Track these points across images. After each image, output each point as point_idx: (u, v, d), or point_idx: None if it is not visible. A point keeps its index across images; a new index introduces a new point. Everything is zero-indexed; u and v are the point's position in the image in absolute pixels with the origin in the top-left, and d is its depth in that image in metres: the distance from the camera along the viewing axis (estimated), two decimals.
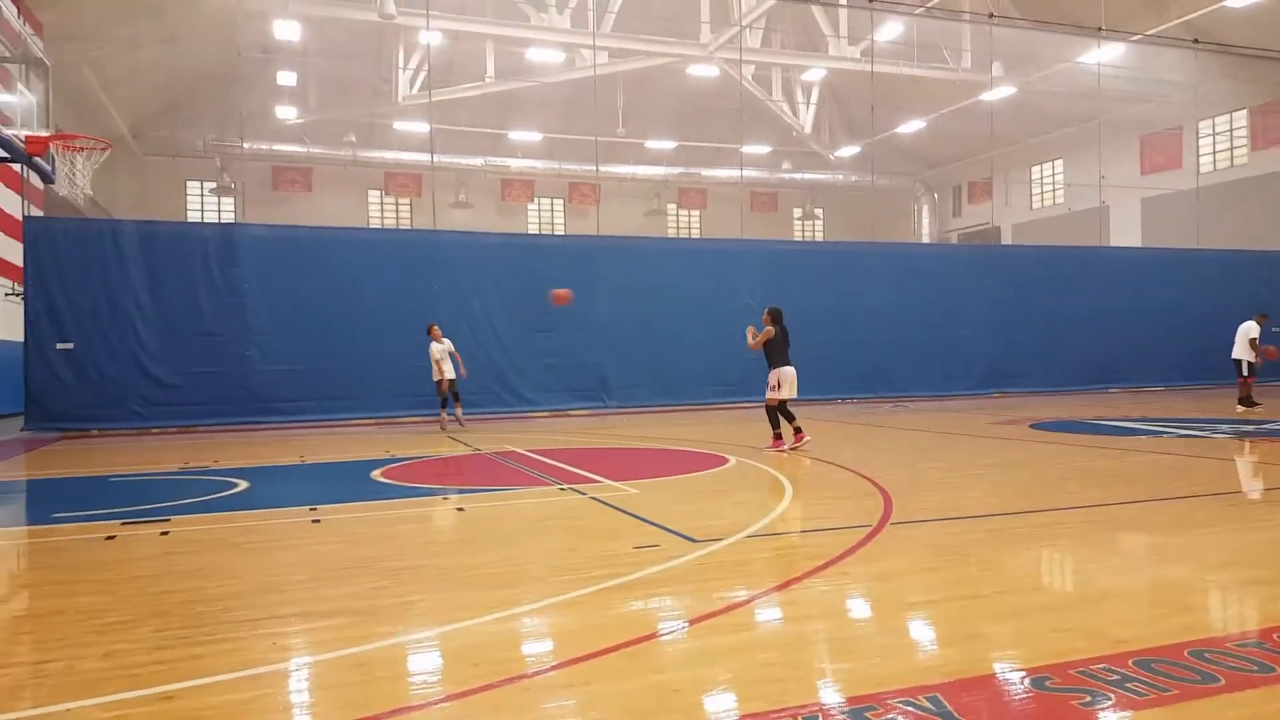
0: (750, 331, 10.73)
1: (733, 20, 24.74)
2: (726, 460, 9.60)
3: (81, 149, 11.09)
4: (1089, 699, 2.84)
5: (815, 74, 29.32)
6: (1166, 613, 3.87)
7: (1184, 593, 4.23)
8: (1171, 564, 4.84)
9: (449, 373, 14.30)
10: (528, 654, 3.58)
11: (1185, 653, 3.24)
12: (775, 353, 10.47)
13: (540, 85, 27.50)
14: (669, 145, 33.70)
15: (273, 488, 8.55)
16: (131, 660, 3.44)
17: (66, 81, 19.59)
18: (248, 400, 15.59)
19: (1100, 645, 3.34)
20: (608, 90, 27.77)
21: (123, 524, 6.41)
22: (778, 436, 10.50)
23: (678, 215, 38.46)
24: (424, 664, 3.48)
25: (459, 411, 14.52)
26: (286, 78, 27.34)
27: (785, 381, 10.37)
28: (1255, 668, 3.09)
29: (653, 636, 3.65)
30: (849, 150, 33.94)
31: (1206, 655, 3.21)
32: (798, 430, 10.39)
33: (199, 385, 15.35)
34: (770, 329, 10.43)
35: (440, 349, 14.30)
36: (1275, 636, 3.43)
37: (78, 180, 11.03)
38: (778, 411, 10.48)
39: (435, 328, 14.39)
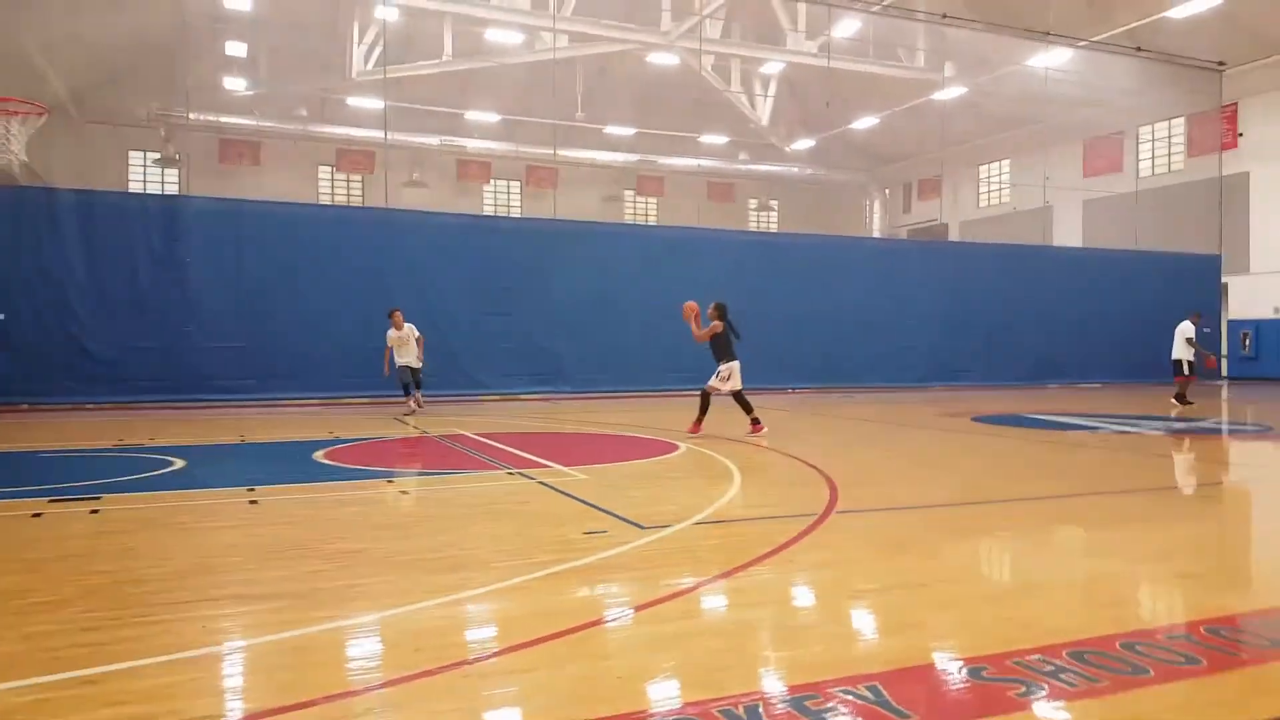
0: (692, 311, 10.69)
1: (694, 9, 24.67)
2: (677, 447, 9.61)
3: (15, 113, 10.63)
4: (1024, 689, 2.88)
5: (773, 67, 29.41)
6: (1100, 605, 3.95)
7: (1117, 585, 4.33)
8: (1106, 556, 4.95)
9: (405, 359, 13.73)
10: (471, 639, 3.54)
11: (1117, 644, 3.29)
12: (725, 346, 10.64)
13: (499, 66, 27.09)
14: (628, 132, 33.51)
15: (210, 467, 8.32)
16: (55, 642, 3.31)
17: (1, 44, 18.73)
18: (188, 377, 15.17)
19: (1036, 636, 3.40)
20: (567, 74, 27.51)
21: (50, 501, 6.18)
22: (699, 422, 10.68)
23: (635, 202, 38.36)
24: (364, 649, 3.41)
25: (417, 396, 13.99)
26: (236, 48, 26.46)
27: (735, 374, 10.60)
28: (1183, 660, 3.16)
29: (598, 623, 3.63)
30: (804, 144, 34.16)
31: (1138, 647, 3.27)
32: (756, 421, 10.57)
33: (136, 361, 14.90)
34: (718, 323, 10.58)
35: (396, 336, 13.69)
36: (1203, 630, 3.51)
37: (12, 146, 10.59)
38: (738, 401, 10.68)
39: (397, 313, 13.75)
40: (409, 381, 13.83)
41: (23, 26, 21.44)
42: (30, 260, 14.41)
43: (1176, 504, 6.91)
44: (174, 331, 15.19)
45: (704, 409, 10.72)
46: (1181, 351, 15.49)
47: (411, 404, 13.78)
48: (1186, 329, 15.60)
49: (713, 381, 10.64)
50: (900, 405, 16.48)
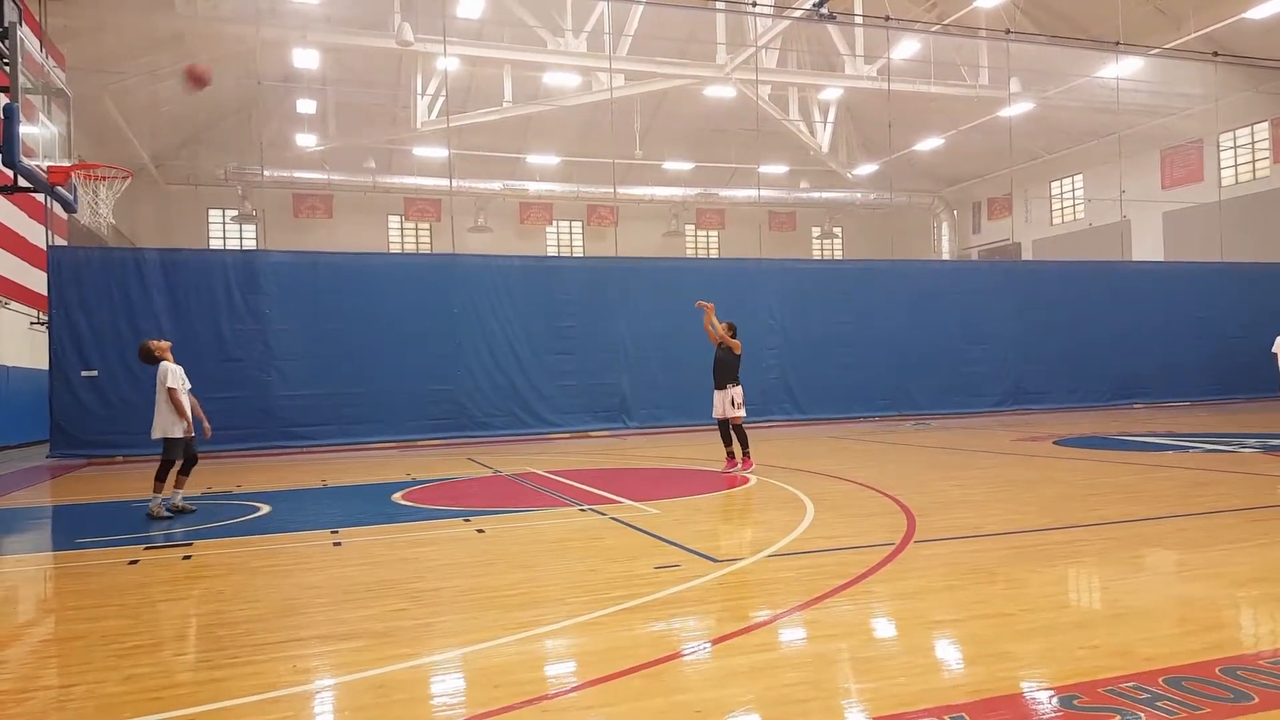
0: (711, 312, 10.59)
1: (748, 41, 24.86)
2: (747, 480, 9.55)
3: (103, 178, 11.20)
4: (1119, 718, 2.80)
5: (832, 93, 29.39)
6: (1194, 630, 3.80)
7: (1212, 609, 4.16)
8: (1198, 580, 4.74)
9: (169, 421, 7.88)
10: (548, 675, 3.57)
11: (1216, 670, 3.18)
12: (736, 366, 10.36)
13: (558, 109, 27.71)
14: (686, 166, 33.82)
15: (294, 511, 8.58)
16: (153, 684, 3.46)
17: (88, 112, 19.93)
18: (270, 425, 15.69)
19: (1129, 663, 3.29)
20: (625, 113, 27.95)
21: (146, 548, 6.46)
22: (731, 456, 10.49)
23: (695, 236, 38.56)
24: (443, 686, 3.47)
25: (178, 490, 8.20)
26: (306, 106, 27.82)
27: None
28: None
29: (675, 657, 3.62)
30: (867, 168, 33.93)
31: (1239, 673, 3.15)
32: (745, 455, 10.34)
33: (222, 410, 15.23)
34: (737, 342, 10.35)
35: (178, 376, 7.94)
36: None
37: (100, 209, 11.15)
38: (737, 432, 10.37)
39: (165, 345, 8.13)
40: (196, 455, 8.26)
41: (106, 95, 22.79)
42: (120, 317, 15.12)
43: (1272, 524, 6.56)
44: (256, 381, 15.75)
45: (730, 440, 10.45)
46: None
47: (175, 496, 8.17)
48: None
49: (730, 410, 10.21)
50: (977, 431, 16.09)
